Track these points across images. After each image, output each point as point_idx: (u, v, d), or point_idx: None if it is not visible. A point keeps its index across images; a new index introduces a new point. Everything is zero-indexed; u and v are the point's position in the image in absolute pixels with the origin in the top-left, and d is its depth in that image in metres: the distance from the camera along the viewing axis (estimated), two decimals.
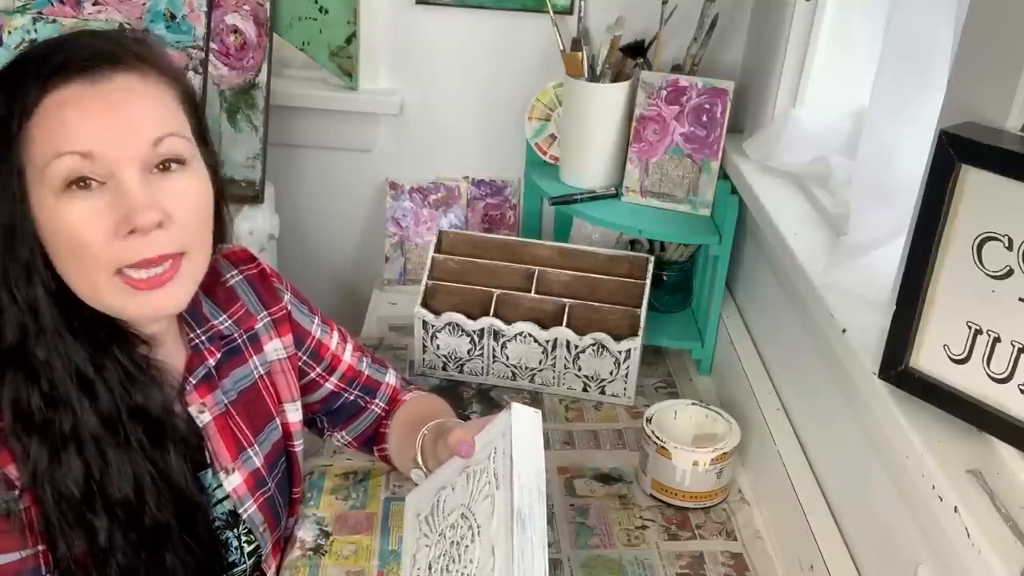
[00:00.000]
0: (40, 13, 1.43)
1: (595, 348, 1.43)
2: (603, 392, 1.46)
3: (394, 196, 1.76)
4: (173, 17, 1.48)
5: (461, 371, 1.50)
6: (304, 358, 1.11)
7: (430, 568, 0.91)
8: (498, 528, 0.83)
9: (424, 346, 1.49)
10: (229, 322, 1.00)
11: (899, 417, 0.82)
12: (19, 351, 0.82)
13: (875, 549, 0.98)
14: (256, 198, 1.59)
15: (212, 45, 1.52)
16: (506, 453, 0.86)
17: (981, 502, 0.73)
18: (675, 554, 1.16)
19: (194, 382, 0.95)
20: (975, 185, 0.74)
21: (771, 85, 1.40)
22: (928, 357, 0.81)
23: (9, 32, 1.42)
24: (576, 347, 1.43)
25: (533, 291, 1.47)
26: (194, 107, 0.89)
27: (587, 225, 1.64)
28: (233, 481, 0.98)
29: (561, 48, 1.52)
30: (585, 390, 1.47)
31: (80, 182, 0.79)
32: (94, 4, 1.45)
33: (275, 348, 1.06)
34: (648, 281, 1.47)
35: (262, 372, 1.04)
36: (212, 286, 1.00)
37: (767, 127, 1.41)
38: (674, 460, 1.21)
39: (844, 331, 0.95)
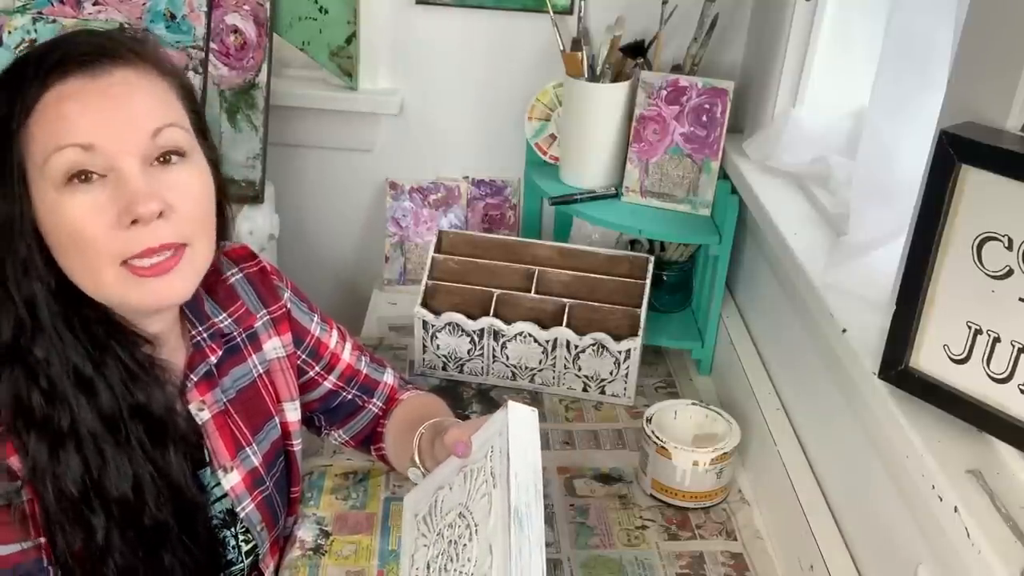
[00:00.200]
0: (40, 13, 1.43)
1: (595, 348, 1.43)
2: (603, 392, 1.46)
3: (394, 196, 1.76)
4: (173, 17, 1.48)
5: (461, 371, 1.50)
6: (303, 356, 1.11)
7: (428, 568, 0.91)
8: (495, 527, 0.83)
9: (424, 346, 1.49)
10: (229, 321, 1.00)
11: (899, 417, 0.82)
12: (18, 348, 0.83)
13: (875, 549, 0.98)
14: (256, 198, 1.59)
15: (212, 45, 1.52)
16: (503, 452, 0.86)
17: (981, 502, 0.73)
18: (675, 554, 1.16)
19: (195, 379, 0.95)
20: (975, 185, 0.74)
21: (771, 85, 1.40)
22: (928, 357, 0.81)
23: (9, 32, 1.42)
24: (576, 347, 1.43)
25: (533, 291, 1.47)
26: (193, 102, 0.90)
27: (587, 225, 1.64)
28: (231, 480, 0.98)
29: (561, 48, 1.52)
30: (585, 390, 1.47)
31: (81, 175, 0.79)
32: (94, 4, 1.45)
33: (274, 347, 1.06)
34: (648, 281, 1.47)
35: (261, 371, 1.04)
36: (213, 284, 1.00)
37: (767, 127, 1.41)
38: (674, 460, 1.21)
39: (844, 331, 0.95)
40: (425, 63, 1.68)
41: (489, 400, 1.46)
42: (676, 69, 1.54)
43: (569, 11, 1.58)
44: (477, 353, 1.48)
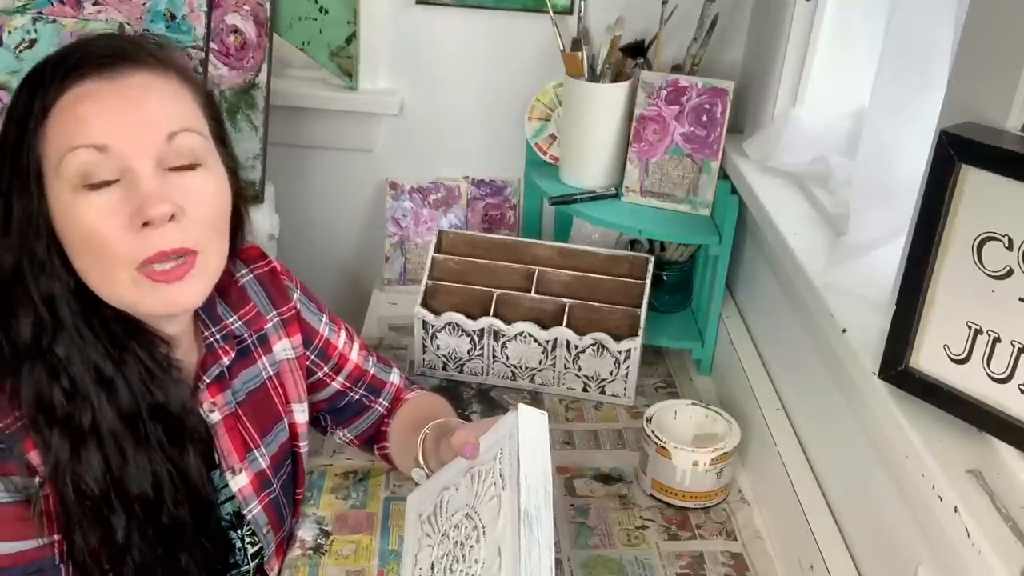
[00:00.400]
0: (40, 13, 1.43)
1: (595, 348, 1.43)
2: (603, 392, 1.46)
3: (394, 196, 1.76)
4: (173, 17, 1.48)
5: (461, 371, 1.50)
6: (312, 357, 1.11)
7: (432, 568, 0.91)
8: (504, 529, 0.83)
9: (424, 346, 1.49)
10: (240, 323, 1.00)
11: (899, 417, 0.82)
12: (38, 347, 0.83)
13: (875, 549, 0.98)
14: (256, 198, 1.59)
15: (212, 45, 1.52)
16: (513, 454, 0.86)
17: (981, 502, 0.73)
18: (675, 554, 1.16)
19: (208, 381, 0.95)
20: (975, 185, 0.74)
21: (771, 85, 1.40)
22: (928, 357, 0.81)
23: (9, 32, 1.42)
24: (576, 347, 1.43)
25: (533, 291, 1.47)
26: (213, 109, 0.90)
27: (587, 225, 1.64)
28: (239, 481, 0.98)
29: (561, 48, 1.52)
30: (585, 390, 1.47)
31: (95, 180, 0.79)
32: (94, 4, 1.45)
33: (284, 348, 1.06)
34: (648, 281, 1.47)
35: (271, 373, 1.04)
36: (226, 285, 1.00)
37: (767, 127, 1.41)
38: (674, 460, 1.21)
39: (844, 331, 0.95)
40: (425, 63, 1.68)
41: (489, 400, 1.46)
42: (676, 69, 1.54)
43: (569, 11, 1.58)
44: (477, 353, 1.47)
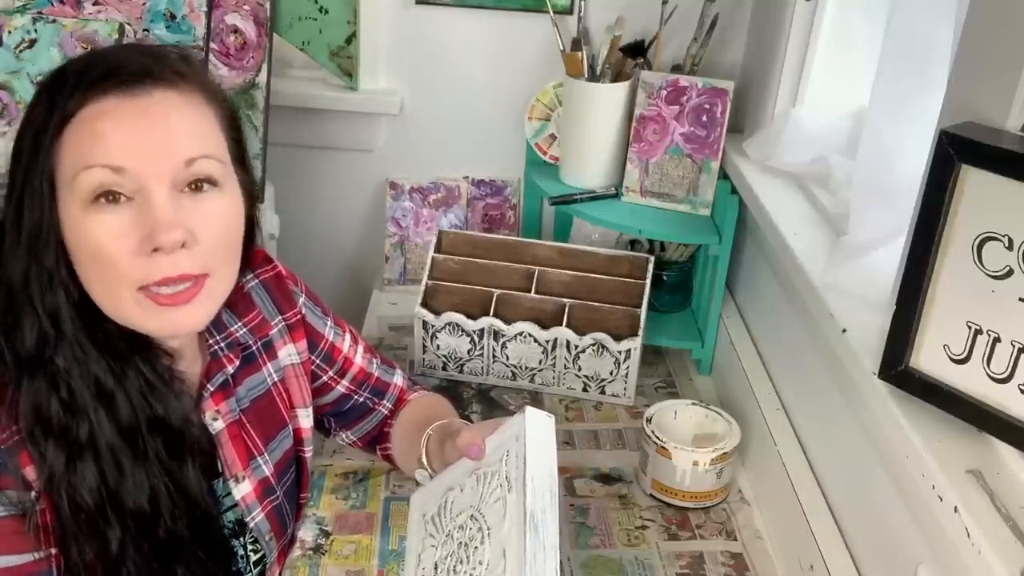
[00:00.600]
0: (40, 13, 1.43)
1: (595, 348, 1.43)
2: (603, 392, 1.46)
3: (394, 196, 1.76)
4: (173, 17, 1.48)
5: (461, 371, 1.50)
6: (317, 361, 1.10)
7: (436, 568, 0.90)
8: (510, 531, 0.82)
9: (424, 346, 1.49)
10: (245, 330, 0.99)
11: (899, 417, 0.82)
12: (40, 358, 0.82)
13: (875, 549, 0.98)
14: (256, 198, 1.59)
15: (212, 45, 1.52)
16: (519, 456, 0.85)
17: (981, 502, 0.73)
18: (675, 554, 1.16)
19: (211, 389, 0.95)
20: (975, 185, 0.74)
21: (771, 85, 1.40)
22: (928, 357, 0.81)
23: (9, 32, 1.42)
24: (576, 347, 1.43)
25: (533, 291, 1.47)
26: (236, 129, 0.88)
27: (587, 225, 1.64)
28: (242, 489, 0.97)
29: (561, 48, 1.52)
30: (585, 390, 1.47)
31: (108, 195, 0.78)
32: (94, 4, 1.45)
33: (289, 353, 1.06)
34: (648, 281, 1.47)
35: (276, 379, 1.03)
36: (232, 293, 0.99)
37: (767, 127, 1.41)
38: (674, 460, 1.21)
39: (844, 331, 0.95)
40: (425, 63, 1.68)
41: (489, 400, 1.46)
42: (676, 69, 1.54)
43: (569, 11, 1.58)
44: (477, 353, 1.47)
